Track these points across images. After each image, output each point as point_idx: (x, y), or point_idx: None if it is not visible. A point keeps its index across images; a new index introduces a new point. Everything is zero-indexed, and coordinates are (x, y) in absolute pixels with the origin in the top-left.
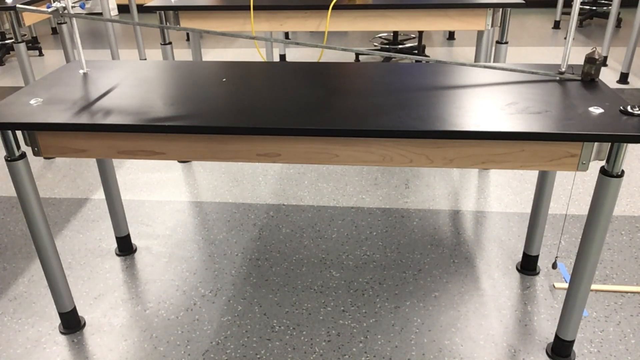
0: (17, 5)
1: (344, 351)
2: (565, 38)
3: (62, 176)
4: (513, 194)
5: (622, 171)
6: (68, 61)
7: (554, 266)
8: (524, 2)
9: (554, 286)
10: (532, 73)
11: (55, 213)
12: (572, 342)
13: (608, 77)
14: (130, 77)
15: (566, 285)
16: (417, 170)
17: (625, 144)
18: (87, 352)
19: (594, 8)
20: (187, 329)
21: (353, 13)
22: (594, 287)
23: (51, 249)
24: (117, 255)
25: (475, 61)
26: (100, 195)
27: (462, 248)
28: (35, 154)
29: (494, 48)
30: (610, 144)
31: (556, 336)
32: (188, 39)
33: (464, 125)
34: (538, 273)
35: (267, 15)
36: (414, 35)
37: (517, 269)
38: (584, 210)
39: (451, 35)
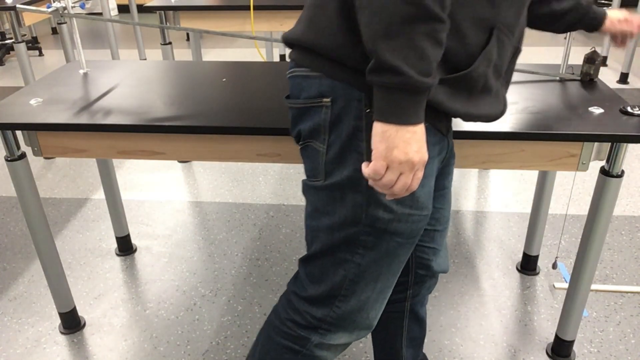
0: (17, 5)
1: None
2: (565, 38)
3: (62, 176)
4: (513, 194)
5: (622, 171)
6: (68, 61)
7: (554, 266)
8: None
9: (554, 286)
10: (532, 73)
11: (55, 213)
12: (572, 342)
13: (608, 77)
14: (130, 77)
15: (566, 285)
16: None
17: (625, 144)
18: (87, 352)
19: None
20: (187, 329)
21: None
22: (594, 287)
23: (51, 249)
24: (117, 255)
25: None
26: (100, 195)
27: (462, 248)
28: (35, 154)
29: None
30: (610, 144)
31: (556, 336)
32: (188, 39)
33: (464, 125)
34: (538, 273)
35: (267, 15)
36: None
37: (517, 269)
38: (584, 210)
39: None
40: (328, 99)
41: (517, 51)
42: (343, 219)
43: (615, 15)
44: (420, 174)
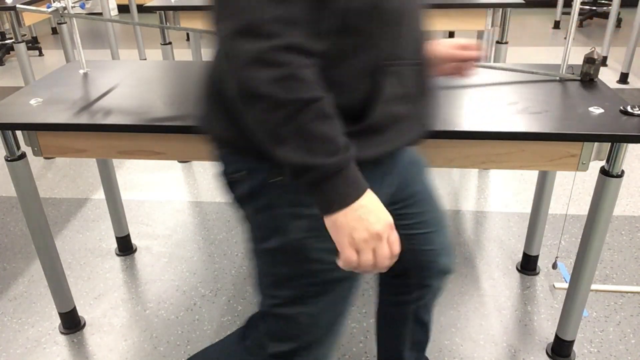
0: (17, 5)
1: (344, 351)
2: (565, 38)
3: (62, 176)
4: (513, 194)
5: (622, 171)
6: (68, 61)
7: (554, 266)
8: (524, 2)
9: (554, 286)
10: (532, 73)
11: (55, 213)
12: (572, 342)
13: (608, 77)
14: (130, 77)
15: (566, 285)
16: None
17: (625, 144)
18: (87, 352)
19: (594, 8)
20: (187, 329)
21: None
22: (594, 287)
23: (51, 249)
24: (117, 255)
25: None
26: (100, 195)
27: (462, 248)
28: (35, 154)
29: (494, 48)
30: (610, 144)
31: (556, 336)
32: (188, 39)
33: (464, 125)
34: (538, 273)
35: None
36: None
37: (517, 269)
38: (584, 210)
39: (451, 35)
40: (242, 173)
41: (422, 65)
42: (285, 277)
43: (448, 43)
44: (393, 236)
